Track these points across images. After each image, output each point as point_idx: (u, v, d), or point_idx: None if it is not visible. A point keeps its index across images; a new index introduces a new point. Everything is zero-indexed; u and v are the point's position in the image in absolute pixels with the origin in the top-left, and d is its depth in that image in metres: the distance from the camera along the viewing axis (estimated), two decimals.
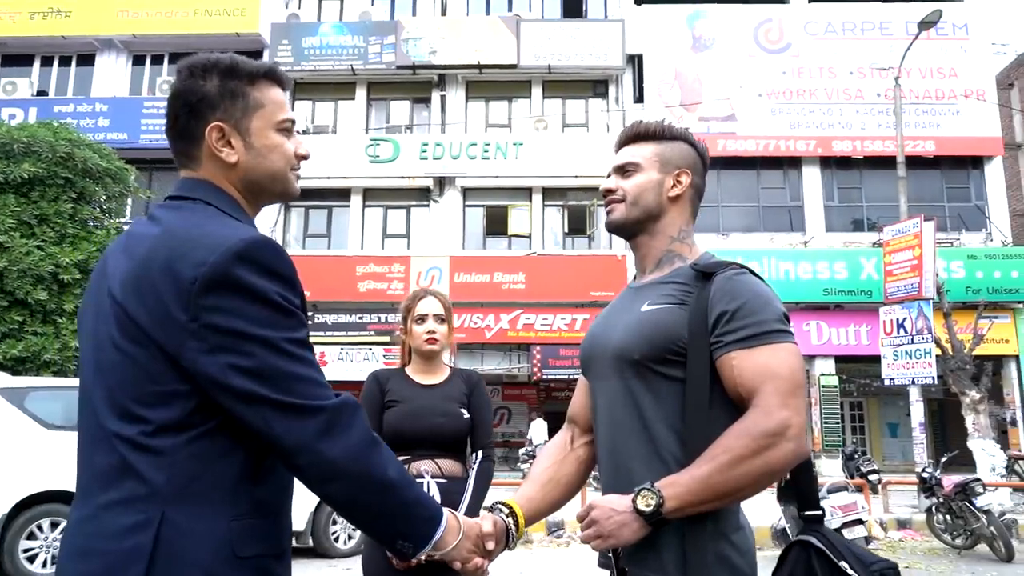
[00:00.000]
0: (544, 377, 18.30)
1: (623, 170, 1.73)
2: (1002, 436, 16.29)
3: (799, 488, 1.57)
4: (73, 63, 20.05)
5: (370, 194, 19.19)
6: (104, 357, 1.26)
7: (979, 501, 8.36)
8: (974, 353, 12.93)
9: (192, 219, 1.30)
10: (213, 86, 1.36)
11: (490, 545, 1.54)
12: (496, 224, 19.13)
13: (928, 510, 9.43)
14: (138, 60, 20.07)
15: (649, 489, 1.42)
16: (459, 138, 18.89)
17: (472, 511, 2.66)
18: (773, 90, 18.79)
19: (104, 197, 12.17)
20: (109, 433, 1.22)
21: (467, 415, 2.84)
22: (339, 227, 19.21)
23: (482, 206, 19.23)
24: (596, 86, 19.82)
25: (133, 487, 1.19)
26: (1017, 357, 17.50)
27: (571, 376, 18.31)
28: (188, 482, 1.20)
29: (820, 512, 1.55)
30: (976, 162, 18.81)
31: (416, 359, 2.93)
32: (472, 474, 2.81)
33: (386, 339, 17.18)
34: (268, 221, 18.68)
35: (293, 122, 1.46)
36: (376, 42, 19.12)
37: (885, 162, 18.32)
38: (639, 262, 1.75)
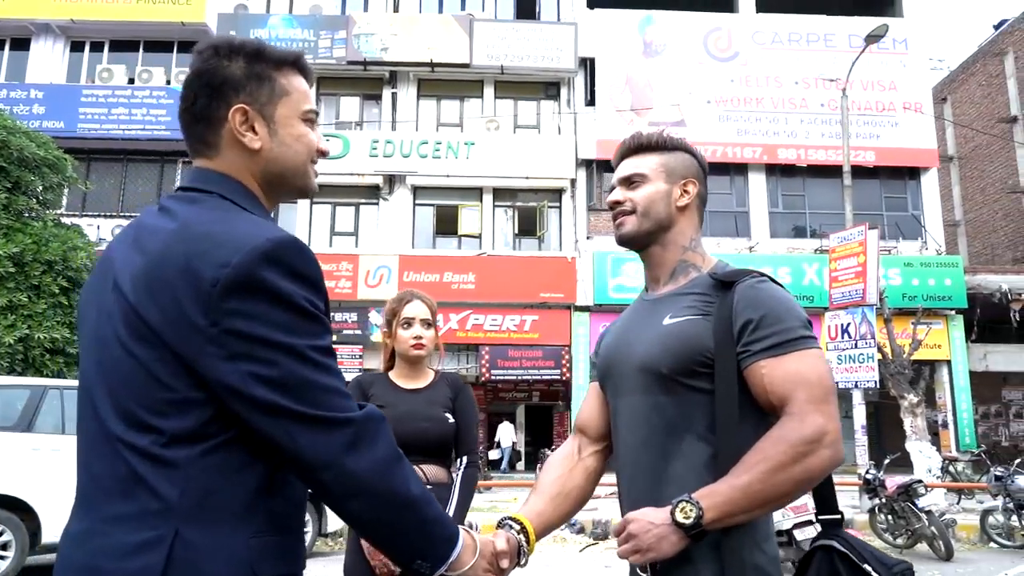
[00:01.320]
0: (492, 378, 18.27)
1: (629, 182, 1.71)
2: (934, 438, 16.87)
3: (818, 493, 1.56)
4: (7, 47, 19.24)
5: (318, 190, 18.82)
6: (108, 356, 1.16)
7: (921, 502, 8.63)
8: (912, 358, 13.35)
9: (211, 214, 1.20)
10: (239, 68, 1.27)
11: (504, 563, 1.49)
12: (446, 224, 19.03)
13: (871, 510, 9.69)
14: (76, 46, 19.36)
15: (687, 501, 1.40)
16: (410, 136, 18.73)
17: (458, 518, 2.61)
18: (721, 97, 19.11)
19: (41, 187, 11.67)
20: (114, 438, 1.12)
21: (452, 420, 2.78)
22: (286, 223, 18.79)
23: (432, 205, 19.11)
24: (548, 88, 19.88)
25: (143, 501, 1.09)
26: (948, 362, 18.15)
27: (519, 377, 18.36)
28: (203, 497, 1.10)
29: (839, 516, 1.55)
30: (913, 173, 19.46)
31: (400, 363, 2.86)
32: (457, 480, 2.76)
33: (333, 338, 16.91)
34: None
35: (317, 114, 1.38)
36: (327, 36, 18.83)
37: (828, 171, 18.83)
38: (651, 273, 1.73)
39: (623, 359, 1.65)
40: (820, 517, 1.57)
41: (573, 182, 18.93)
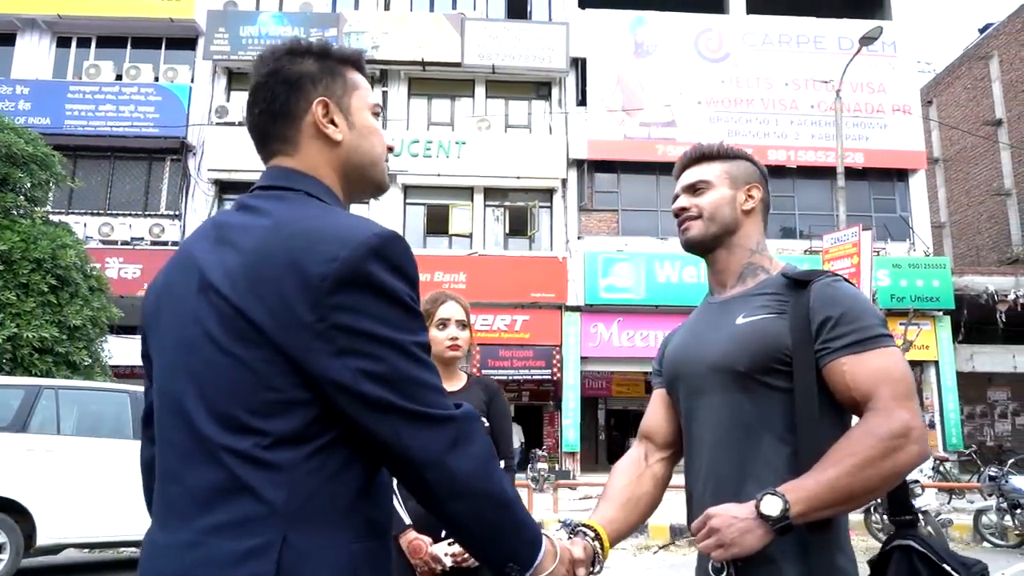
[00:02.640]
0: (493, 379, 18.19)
1: (694, 189, 1.74)
2: None
3: (892, 494, 1.55)
4: None
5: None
6: (199, 360, 1.12)
7: (917, 502, 8.65)
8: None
9: (307, 211, 1.18)
10: (311, 64, 1.29)
11: (581, 572, 1.46)
12: (437, 223, 18.96)
13: (866, 510, 9.72)
14: (63, 42, 19.10)
15: (773, 494, 1.38)
16: (401, 135, 18.64)
17: None
18: (712, 98, 19.17)
19: (30, 184, 11.51)
20: (214, 446, 1.08)
21: (487, 423, 2.74)
22: None
23: (423, 204, 19.04)
24: (539, 88, 19.85)
25: (247, 507, 1.06)
26: (936, 362, 18.29)
27: (510, 377, 18.32)
28: (308, 501, 1.08)
29: (913, 517, 1.55)
30: (901, 175, 19.60)
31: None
32: None
33: None
34: (201, 214, 18.08)
35: (381, 108, 1.40)
36: (317, 34, 18.67)
37: (817, 172, 18.93)
38: (717, 277, 1.75)
39: (695, 360, 1.66)
40: (894, 518, 1.55)
41: (564, 182, 18.91)
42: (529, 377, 18.68)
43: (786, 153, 19.00)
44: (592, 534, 1.59)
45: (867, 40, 13.87)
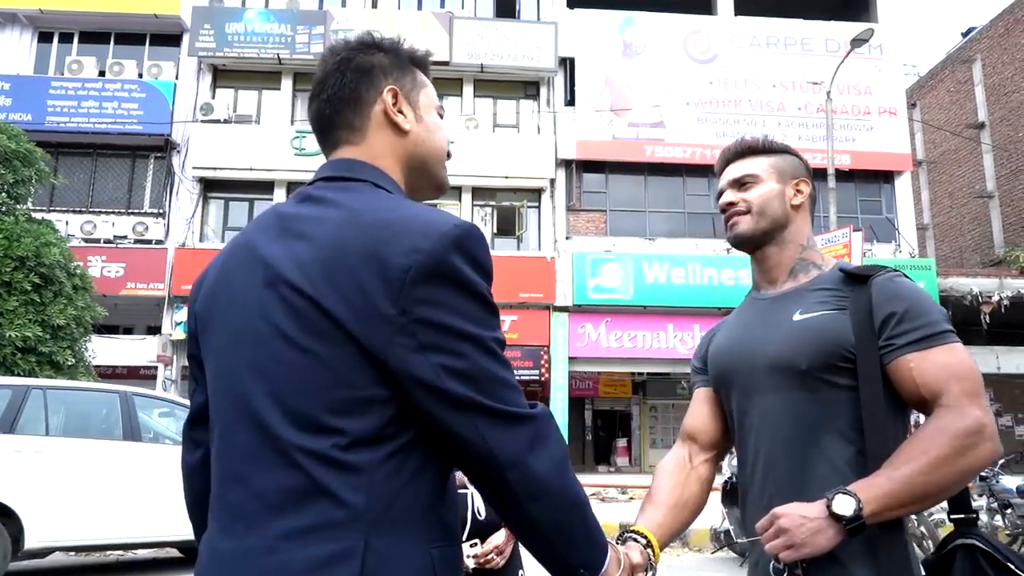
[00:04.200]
0: None
1: (740, 183, 1.70)
2: None
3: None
4: None
5: (295, 188, 18.20)
6: (268, 356, 1.07)
7: None
8: None
9: (380, 201, 1.14)
10: (382, 57, 1.28)
11: None
12: None
13: None
14: (45, 37, 18.82)
15: (845, 493, 1.34)
16: None
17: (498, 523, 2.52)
18: (700, 99, 19.21)
19: (12, 181, 11.31)
20: (288, 447, 1.03)
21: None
22: None
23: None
24: (528, 87, 19.81)
25: (325, 511, 1.01)
26: None
27: None
28: (388, 504, 1.04)
29: (974, 515, 1.52)
30: (887, 176, 19.75)
31: None
32: None
33: None
34: (186, 212, 17.88)
35: (444, 112, 1.38)
36: (304, 32, 18.56)
37: None
38: (766, 273, 1.70)
39: (749, 358, 1.61)
40: (953, 516, 1.52)
41: (552, 182, 18.87)
42: (517, 377, 18.50)
43: None
44: (644, 540, 1.54)
45: (858, 42, 13.96)
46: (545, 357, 18.02)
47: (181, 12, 18.45)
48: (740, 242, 1.70)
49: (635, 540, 1.53)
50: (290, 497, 1.02)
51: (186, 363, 1.22)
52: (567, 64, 19.42)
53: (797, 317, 1.55)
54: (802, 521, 1.36)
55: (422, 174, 1.30)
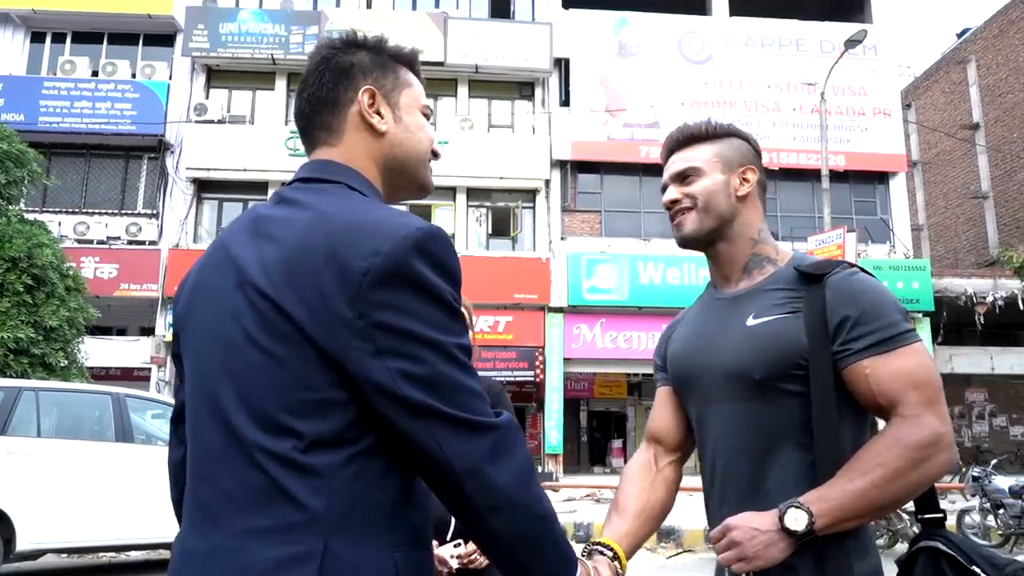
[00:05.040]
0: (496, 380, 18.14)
1: (682, 177, 1.61)
2: None
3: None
4: None
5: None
6: (236, 358, 1.06)
7: None
8: None
9: (350, 203, 1.13)
10: (364, 56, 1.27)
11: None
12: None
13: None
14: (37, 37, 18.75)
15: (797, 506, 1.32)
16: None
17: None
18: (695, 100, 19.22)
19: (4, 181, 11.25)
20: (250, 446, 1.03)
21: None
22: None
23: (405, 204, 18.84)
24: (522, 88, 19.80)
25: (286, 513, 1.00)
26: None
27: (492, 378, 18.21)
28: (349, 508, 1.03)
29: (942, 515, 1.48)
30: (882, 177, 19.78)
31: None
32: None
33: None
34: (179, 213, 17.82)
35: (432, 111, 1.36)
36: (298, 32, 18.52)
37: (800, 174, 19.03)
38: (720, 270, 1.62)
39: (706, 366, 1.55)
40: (922, 516, 1.48)
41: (547, 183, 18.87)
42: (512, 378, 18.60)
43: (768, 155, 19.06)
44: (611, 553, 1.51)
45: (852, 43, 13.97)
46: (540, 358, 18.01)
47: (175, 12, 18.40)
48: (687, 242, 1.62)
49: (602, 553, 1.51)
50: (253, 497, 1.02)
51: None
52: (562, 65, 19.41)
53: (750, 322, 1.49)
54: (754, 533, 1.34)
55: (401, 175, 1.28)
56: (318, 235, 1.06)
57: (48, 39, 18.80)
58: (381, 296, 1.02)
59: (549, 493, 14.50)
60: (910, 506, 6.02)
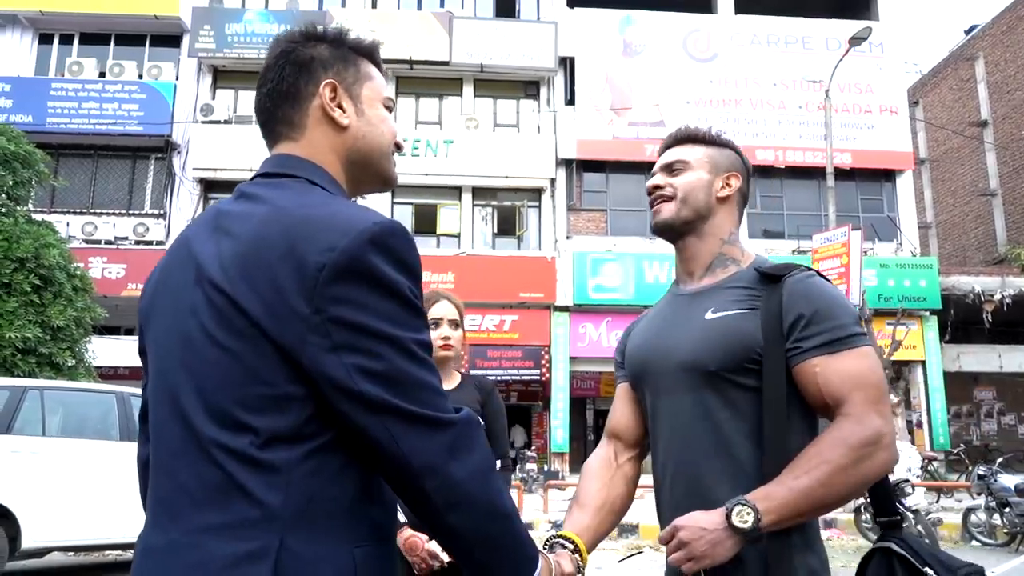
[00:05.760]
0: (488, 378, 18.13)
1: (671, 168, 1.68)
2: (910, 438, 17.07)
3: (876, 495, 1.53)
4: None
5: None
6: (194, 354, 1.06)
7: (908, 501, 8.66)
8: (891, 358, 13.46)
9: (307, 198, 1.13)
10: (324, 50, 1.26)
11: None
12: (425, 223, 18.86)
13: (856, 510, 9.73)
14: (45, 38, 18.85)
15: (744, 504, 1.35)
16: None
17: None
18: (700, 98, 19.19)
19: (12, 183, 11.33)
20: (207, 442, 1.03)
21: (482, 423, 2.70)
22: None
23: (411, 204, 18.93)
24: (528, 87, 19.80)
25: (242, 509, 1.00)
26: (923, 362, 18.36)
27: (498, 377, 18.26)
28: (307, 504, 1.02)
29: (898, 518, 1.51)
30: (888, 175, 19.69)
31: None
32: None
33: None
34: (186, 213, 17.90)
35: (394, 103, 1.36)
36: None
37: (806, 172, 18.98)
38: (685, 265, 1.69)
39: (662, 356, 1.60)
40: (878, 519, 1.53)
41: (553, 181, 18.86)
42: (518, 377, 18.62)
43: (774, 153, 19.04)
44: (572, 546, 1.55)
45: (856, 40, 13.92)
46: (546, 357, 18.01)
47: (181, 13, 18.48)
48: (662, 229, 1.68)
49: (563, 547, 1.53)
50: (210, 493, 1.02)
51: None
52: (567, 63, 19.40)
53: (709, 316, 1.54)
54: (701, 533, 1.36)
55: (364, 168, 1.28)
56: (274, 229, 1.06)
57: (56, 40, 18.90)
58: (337, 291, 1.02)
59: (556, 491, 14.53)
60: (915, 503, 6.02)
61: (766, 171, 19.24)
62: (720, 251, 1.65)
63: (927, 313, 18.37)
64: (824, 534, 10.33)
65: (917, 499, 8.96)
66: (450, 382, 2.79)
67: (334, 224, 1.05)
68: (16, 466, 6.45)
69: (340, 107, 1.23)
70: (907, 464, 12.58)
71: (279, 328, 1.02)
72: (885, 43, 19.76)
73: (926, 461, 13.90)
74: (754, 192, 15.51)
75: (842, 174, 18.57)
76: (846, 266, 12.17)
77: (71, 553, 8.05)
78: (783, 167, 19.11)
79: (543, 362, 18.00)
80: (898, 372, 13.81)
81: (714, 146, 1.69)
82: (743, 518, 1.34)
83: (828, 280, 1.55)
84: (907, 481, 9.02)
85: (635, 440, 1.74)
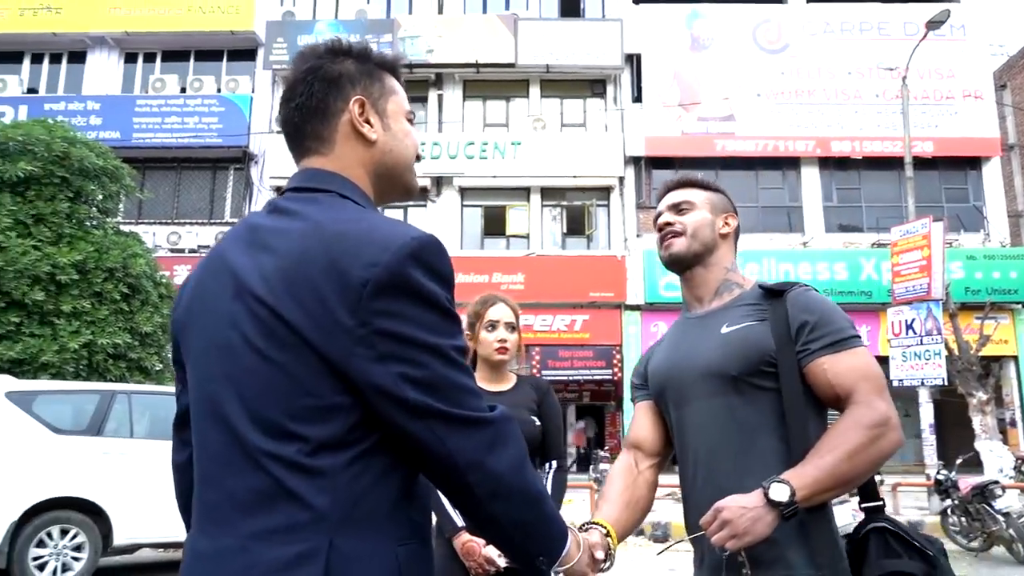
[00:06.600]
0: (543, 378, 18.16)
1: (678, 208, 1.89)
2: (1003, 437, 16.31)
3: (861, 485, 1.71)
4: (64, 60, 19.73)
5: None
6: (239, 365, 1.11)
7: (998, 503, 8.29)
8: (979, 354, 12.91)
9: (343, 213, 1.18)
10: (351, 65, 1.30)
11: (599, 554, 1.54)
12: (494, 224, 19.00)
13: (942, 512, 9.36)
14: (130, 58, 19.78)
15: (779, 481, 1.50)
16: (456, 137, 18.74)
17: None
18: (771, 90, 18.76)
19: (101, 196, 11.91)
20: (255, 451, 1.08)
21: (538, 423, 2.73)
22: None
23: (480, 206, 19.09)
24: (594, 85, 19.73)
25: (292, 513, 1.06)
26: (1016, 358, 17.55)
27: (570, 378, 18.26)
28: (353, 506, 1.08)
29: (881, 503, 1.70)
30: (974, 163, 18.87)
31: (482, 366, 2.82)
32: (548, 484, 2.70)
33: None
34: None
35: (414, 116, 1.41)
36: (372, 41, 18.87)
37: (884, 163, 18.35)
38: (693, 293, 1.89)
39: (684, 370, 1.79)
40: (864, 505, 1.71)
41: (621, 180, 18.75)
42: (590, 377, 18.56)
43: (851, 144, 18.47)
44: (604, 531, 1.67)
45: (934, 24, 13.39)
46: (618, 356, 17.91)
47: (255, 27, 19.11)
48: (673, 261, 1.87)
49: (597, 530, 1.66)
50: (258, 499, 1.07)
51: None
52: (633, 60, 19.26)
53: (725, 330, 1.74)
54: (742, 511, 1.48)
55: (390, 181, 1.32)
56: (314, 244, 1.10)
57: (140, 59, 19.79)
58: (381, 305, 1.07)
59: None
60: (1007, 505, 5.82)
61: (842, 163, 18.70)
62: (725, 278, 1.86)
63: (1019, 306, 17.54)
64: None
65: (1009, 501, 8.54)
66: (506, 383, 2.81)
67: (373, 239, 1.10)
68: (107, 467, 6.79)
69: (368, 122, 1.28)
70: (998, 464, 12.05)
71: (324, 340, 1.07)
72: (967, 25, 18.95)
73: (1020, 462, 13.26)
74: (830, 185, 15.07)
75: (924, 163, 17.88)
76: (927, 259, 11.71)
77: (160, 549, 8.40)
78: (860, 158, 18.52)
79: (615, 361, 17.90)
80: (987, 368, 13.20)
81: (710, 191, 1.92)
82: (781, 493, 1.48)
83: (821, 294, 1.77)
84: (996, 483, 8.63)
85: (655, 450, 1.91)
